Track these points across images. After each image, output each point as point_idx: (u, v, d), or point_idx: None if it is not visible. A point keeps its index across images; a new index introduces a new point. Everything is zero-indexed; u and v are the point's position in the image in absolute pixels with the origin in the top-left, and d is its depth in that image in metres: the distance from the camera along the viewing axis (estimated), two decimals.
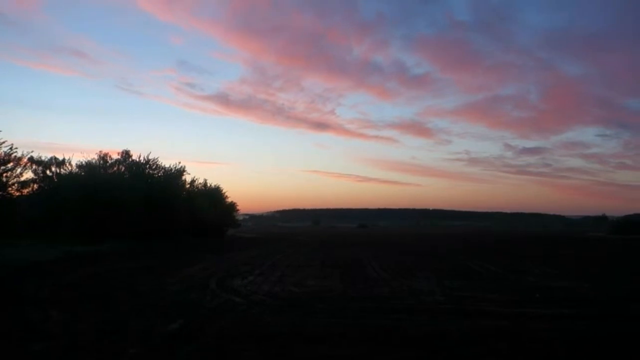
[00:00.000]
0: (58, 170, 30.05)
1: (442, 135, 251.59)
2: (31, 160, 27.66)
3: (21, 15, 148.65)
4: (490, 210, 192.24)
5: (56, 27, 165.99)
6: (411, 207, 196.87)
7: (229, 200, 49.65)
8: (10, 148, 22.54)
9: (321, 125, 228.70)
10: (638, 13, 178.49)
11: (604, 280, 14.40)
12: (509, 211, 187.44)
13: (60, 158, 30.36)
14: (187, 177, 39.41)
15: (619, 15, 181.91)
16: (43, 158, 29.51)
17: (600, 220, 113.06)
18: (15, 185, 24.48)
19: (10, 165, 22.80)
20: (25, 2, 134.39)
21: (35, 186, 28.71)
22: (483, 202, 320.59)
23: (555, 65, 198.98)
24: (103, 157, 32.02)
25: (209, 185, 45.39)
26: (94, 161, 31.45)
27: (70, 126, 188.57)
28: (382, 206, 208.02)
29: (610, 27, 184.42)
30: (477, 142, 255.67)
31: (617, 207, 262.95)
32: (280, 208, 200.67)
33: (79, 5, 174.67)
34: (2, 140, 21.76)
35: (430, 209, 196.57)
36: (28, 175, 27.29)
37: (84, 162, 31.09)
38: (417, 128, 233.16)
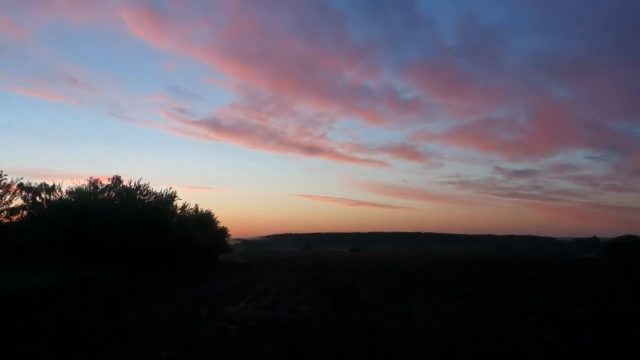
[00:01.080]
0: (48, 197, 29.82)
1: (433, 159, 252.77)
2: (21, 187, 27.49)
3: (14, 43, 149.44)
4: (482, 233, 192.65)
5: (48, 55, 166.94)
6: (403, 230, 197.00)
7: (221, 225, 49.41)
8: (0, 175, 22.46)
9: (313, 150, 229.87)
10: (625, 36, 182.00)
11: (597, 302, 14.42)
12: (501, 234, 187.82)
13: (51, 184, 30.20)
14: (179, 203, 39.24)
15: (606, 38, 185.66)
16: (33, 185, 29.33)
17: (592, 243, 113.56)
18: (5, 212, 24.32)
19: None
20: (18, 30, 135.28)
21: (25, 213, 28.45)
22: (475, 225, 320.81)
23: (544, 89, 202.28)
24: (94, 184, 31.86)
25: (200, 210, 45.21)
26: (84, 187, 31.29)
27: (62, 153, 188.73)
28: (374, 230, 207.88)
29: (599, 50, 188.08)
30: (468, 166, 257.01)
31: (608, 229, 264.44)
32: (272, 233, 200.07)
33: (72, 33, 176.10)
34: None
35: (423, 232, 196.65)
36: (18, 202, 27.10)
37: (74, 189, 30.91)
38: (408, 152, 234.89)
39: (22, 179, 27.27)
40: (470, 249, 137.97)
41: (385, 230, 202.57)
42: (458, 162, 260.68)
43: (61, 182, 30.42)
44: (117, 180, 32.86)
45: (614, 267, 37.50)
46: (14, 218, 26.92)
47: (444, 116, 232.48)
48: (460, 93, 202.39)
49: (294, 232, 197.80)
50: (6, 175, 22.87)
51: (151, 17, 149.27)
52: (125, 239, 28.36)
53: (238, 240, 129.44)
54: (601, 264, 43.67)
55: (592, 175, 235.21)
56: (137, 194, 33.05)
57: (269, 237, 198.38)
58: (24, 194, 28.21)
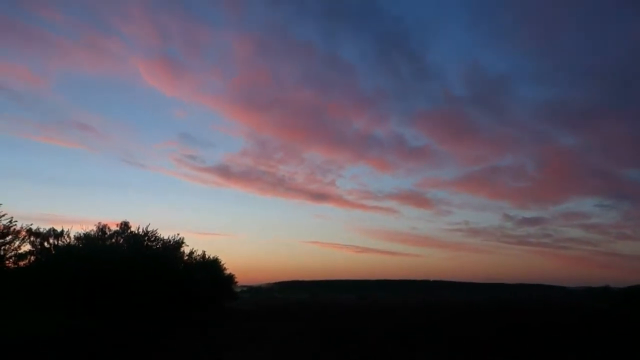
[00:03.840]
0: (56, 242, 29.88)
1: (442, 206, 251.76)
2: (29, 232, 27.60)
3: (30, 91, 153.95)
4: (491, 281, 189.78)
5: (63, 103, 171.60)
6: (411, 278, 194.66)
7: (228, 272, 49.07)
8: (10, 221, 22.62)
9: (321, 196, 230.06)
10: (632, 84, 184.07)
11: (610, 355, 14.08)
12: (510, 282, 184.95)
13: (59, 230, 30.31)
14: (186, 249, 39.15)
15: (613, 87, 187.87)
16: (42, 230, 29.45)
17: (603, 292, 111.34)
18: (13, 257, 24.33)
19: (9, 238, 22.78)
20: (35, 79, 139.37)
21: (32, 258, 28.44)
22: (484, 273, 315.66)
23: (552, 137, 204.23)
24: (102, 229, 31.97)
25: (207, 256, 45.01)
26: (92, 233, 31.39)
27: (74, 198, 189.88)
28: (382, 277, 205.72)
29: (605, 98, 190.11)
30: (476, 213, 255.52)
31: (619, 277, 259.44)
32: (279, 279, 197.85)
33: (87, 82, 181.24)
34: (2, 213, 21.88)
35: (431, 279, 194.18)
36: (26, 247, 27.15)
37: (82, 234, 31.03)
38: (416, 199, 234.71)
39: (31, 224, 27.44)
40: (480, 296, 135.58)
41: (393, 278, 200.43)
42: (466, 209, 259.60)
43: (70, 227, 30.62)
44: (125, 225, 32.98)
45: (625, 317, 36.64)
46: (21, 263, 26.90)
47: (452, 163, 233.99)
48: (468, 141, 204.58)
49: (301, 278, 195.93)
50: (16, 221, 23.03)
51: (164, 67, 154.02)
52: (131, 286, 28.18)
53: (244, 286, 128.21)
54: (613, 314, 42.68)
55: (601, 223, 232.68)
56: (144, 240, 33.08)
57: (275, 283, 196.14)
58: (32, 239, 28.30)
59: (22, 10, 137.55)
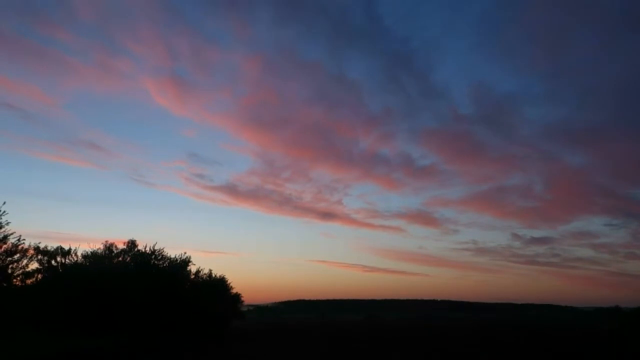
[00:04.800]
0: (63, 261, 29.91)
1: (449, 225, 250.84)
2: (37, 250, 27.67)
3: (42, 111, 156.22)
4: (499, 301, 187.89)
5: (74, 122, 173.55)
6: (419, 297, 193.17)
7: (234, 291, 48.87)
8: (18, 239, 22.68)
9: (328, 215, 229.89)
10: (637, 104, 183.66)
11: None
12: (518, 302, 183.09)
13: (67, 248, 30.36)
14: (193, 268, 39.02)
15: (620, 106, 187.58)
16: (49, 248, 29.51)
17: (614, 312, 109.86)
18: (20, 276, 24.36)
19: (16, 256, 22.83)
20: (47, 99, 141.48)
21: (39, 276, 28.46)
22: (492, 293, 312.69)
23: (560, 156, 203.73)
24: (109, 247, 31.98)
25: (214, 275, 44.86)
26: (99, 251, 31.39)
27: (83, 216, 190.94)
28: (389, 297, 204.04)
29: (612, 118, 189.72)
30: (484, 232, 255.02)
31: (630, 297, 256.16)
32: (286, 299, 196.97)
33: (97, 101, 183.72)
34: (10, 232, 21.94)
35: (439, 299, 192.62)
36: (33, 265, 27.17)
37: (89, 252, 31.04)
38: (423, 218, 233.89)
39: (39, 242, 27.54)
40: (488, 317, 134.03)
41: (401, 297, 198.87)
42: (474, 228, 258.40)
43: (77, 245, 30.70)
44: (132, 244, 32.98)
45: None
46: (28, 281, 26.90)
47: (460, 182, 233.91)
48: (475, 160, 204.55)
49: (307, 298, 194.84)
50: (24, 239, 23.09)
51: (174, 86, 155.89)
52: (136, 311, 28.04)
53: (251, 306, 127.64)
54: (626, 335, 41.98)
55: (610, 242, 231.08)
56: (151, 259, 33.03)
57: (282, 302, 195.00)
58: (39, 257, 28.35)
59: (34, 31, 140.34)
